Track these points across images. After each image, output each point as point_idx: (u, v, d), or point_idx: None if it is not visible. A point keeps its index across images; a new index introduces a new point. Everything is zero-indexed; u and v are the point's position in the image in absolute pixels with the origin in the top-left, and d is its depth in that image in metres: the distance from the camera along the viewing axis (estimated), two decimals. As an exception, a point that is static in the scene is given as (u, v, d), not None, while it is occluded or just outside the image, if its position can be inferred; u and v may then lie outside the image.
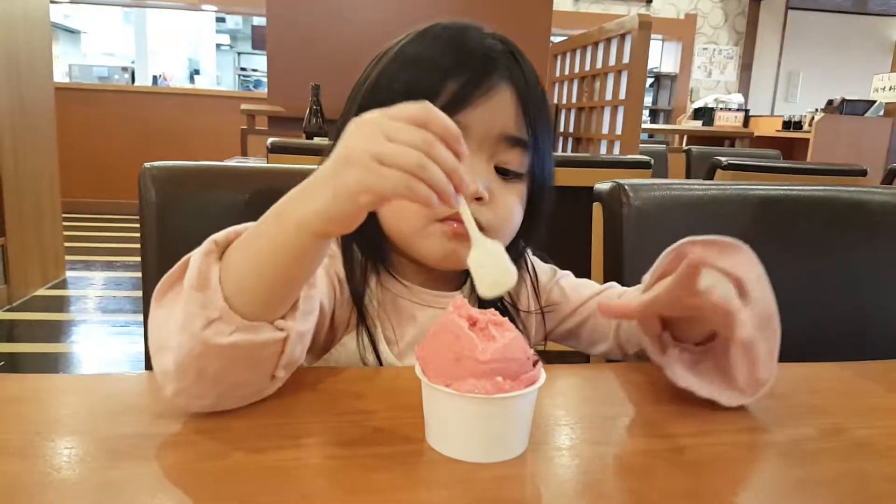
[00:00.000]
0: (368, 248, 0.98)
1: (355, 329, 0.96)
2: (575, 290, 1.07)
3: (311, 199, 0.65)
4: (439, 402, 0.66)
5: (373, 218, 0.94)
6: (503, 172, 0.92)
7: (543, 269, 1.09)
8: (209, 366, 0.67)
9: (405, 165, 0.60)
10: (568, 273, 1.11)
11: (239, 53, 12.69)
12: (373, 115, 0.63)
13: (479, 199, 0.88)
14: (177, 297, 0.70)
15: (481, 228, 0.86)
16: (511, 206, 0.93)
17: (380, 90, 0.91)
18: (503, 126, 0.90)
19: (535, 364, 0.68)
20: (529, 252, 1.07)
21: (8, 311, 4.25)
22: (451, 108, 0.85)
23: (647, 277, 0.88)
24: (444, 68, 0.88)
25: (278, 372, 0.73)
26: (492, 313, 0.68)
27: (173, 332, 0.67)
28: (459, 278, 1.02)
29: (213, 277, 0.68)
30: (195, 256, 0.69)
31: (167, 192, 1.18)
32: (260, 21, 10.63)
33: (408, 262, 0.98)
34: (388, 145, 0.61)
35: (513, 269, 0.69)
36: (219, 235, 0.70)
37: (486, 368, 0.63)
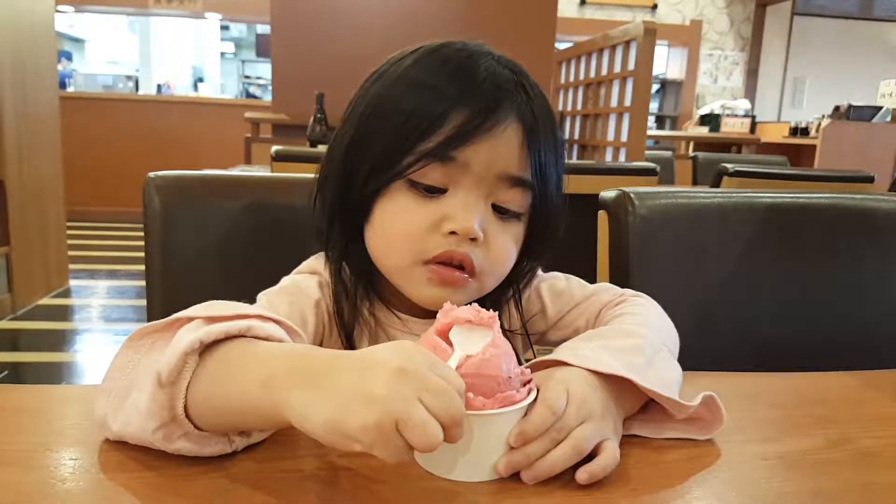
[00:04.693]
0: (358, 275, 0.94)
1: None
2: (555, 301, 1.01)
3: (308, 401, 0.57)
4: None
5: (363, 245, 0.91)
6: (501, 211, 0.88)
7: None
8: (153, 446, 0.65)
9: (420, 444, 0.55)
10: (553, 275, 1.04)
11: (243, 61, 12.71)
12: (416, 364, 0.58)
13: (473, 239, 0.83)
14: (151, 347, 0.68)
15: (473, 270, 0.84)
16: (505, 248, 0.88)
17: (382, 113, 0.86)
18: (504, 165, 0.84)
19: (524, 384, 0.68)
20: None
21: (12, 320, 4.25)
22: (452, 144, 0.82)
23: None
24: (450, 97, 0.83)
25: None
26: (489, 316, 0.68)
27: (130, 409, 0.65)
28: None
29: (183, 379, 0.63)
30: (176, 349, 0.63)
31: (171, 200, 1.19)
32: (264, 29, 10.63)
33: (398, 290, 0.92)
34: (416, 412, 0.55)
35: None
36: (207, 335, 0.63)
37: None
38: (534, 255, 0.97)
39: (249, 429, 0.67)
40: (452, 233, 0.83)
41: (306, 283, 0.92)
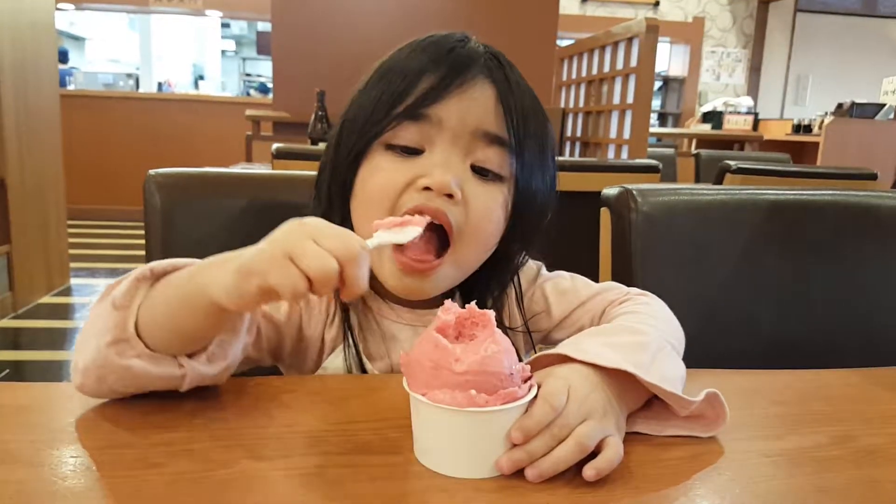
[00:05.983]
0: None
1: (341, 347, 0.95)
2: (560, 299, 1.01)
3: (222, 271, 0.66)
4: (416, 410, 0.67)
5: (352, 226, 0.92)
6: (483, 173, 0.88)
7: (526, 273, 1.03)
8: (108, 377, 0.71)
9: (313, 271, 0.61)
10: (558, 274, 1.05)
11: (244, 59, 12.70)
12: (312, 220, 0.66)
13: (449, 196, 0.84)
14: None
15: (451, 229, 0.85)
16: (487, 207, 0.88)
17: (366, 91, 0.90)
18: (479, 121, 0.86)
19: (525, 380, 0.68)
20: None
21: (13, 318, 4.26)
22: (423, 102, 0.85)
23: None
24: (419, 69, 0.86)
25: (184, 390, 0.76)
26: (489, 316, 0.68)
27: (90, 339, 0.72)
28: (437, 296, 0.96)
29: (135, 303, 0.72)
30: (129, 277, 0.73)
31: (172, 198, 1.19)
32: (265, 27, 10.64)
33: None
34: (309, 245, 0.63)
35: None
36: (157, 264, 0.74)
37: (461, 380, 0.63)
38: (523, 236, 0.96)
39: (190, 330, 0.72)
40: (427, 189, 0.84)
41: None
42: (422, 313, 0.96)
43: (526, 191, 0.91)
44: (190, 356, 0.74)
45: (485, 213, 0.88)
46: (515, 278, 1.01)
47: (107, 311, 0.71)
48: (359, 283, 0.64)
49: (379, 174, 0.87)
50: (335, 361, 0.95)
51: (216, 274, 0.66)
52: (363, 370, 0.94)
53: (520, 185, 0.90)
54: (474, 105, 0.86)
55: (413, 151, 0.87)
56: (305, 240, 0.63)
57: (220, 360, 0.76)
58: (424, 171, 0.84)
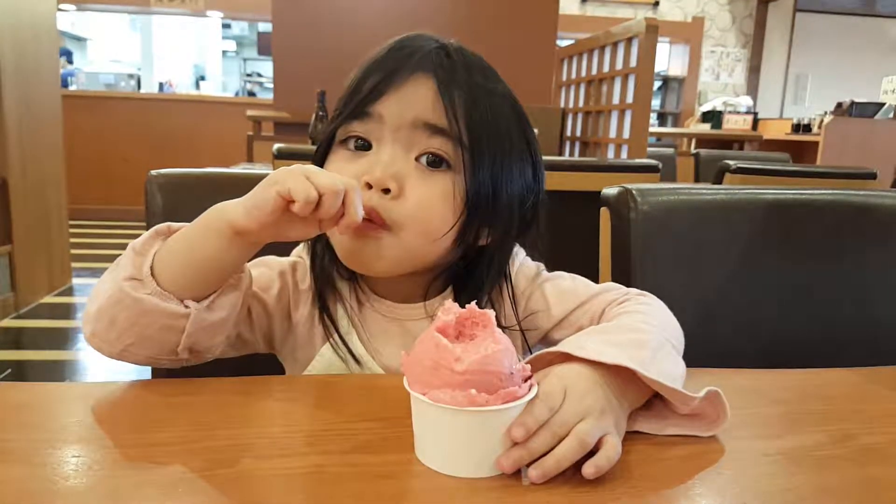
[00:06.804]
0: (323, 253, 0.98)
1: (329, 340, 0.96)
2: (560, 299, 1.00)
3: (240, 198, 0.78)
4: (416, 409, 0.67)
5: None
6: (432, 163, 0.89)
7: (525, 272, 1.03)
8: (120, 315, 0.79)
9: (323, 184, 0.74)
10: (559, 275, 1.04)
11: (245, 59, 12.69)
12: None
13: (386, 191, 0.86)
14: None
15: (382, 222, 0.87)
16: (427, 198, 0.88)
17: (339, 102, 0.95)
18: (417, 113, 0.87)
19: (526, 380, 0.68)
20: (520, 255, 1.04)
21: (15, 318, 4.26)
22: (367, 100, 0.88)
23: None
24: (367, 69, 0.91)
25: (181, 352, 0.82)
26: (489, 316, 0.68)
27: (106, 283, 0.81)
28: (418, 292, 0.98)
29: (152, 250, 0.81)
30: (150, 230, 0.83)
31: (173, 199, 1.19)
32: (266, 27, 10.64)
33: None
34: (320, 171, 0.76)
35: None
36: (175, 224, 0.83)
37: (461, 379, 0.63)
38: (495, 228, 0.95)
39: (199, 260, 0.80)
40: (369, 185, 0.87)
41: (277, 259, 1.01)
42: (403, 307, 0.98)
43: (479, 180, 0.90)
44: (194, 301, 0.81)
45: (421, 205, 0.88)
46: (510, 278, 1.01)
47: (126, 255, 0.81)
48: (356, 210, 0.77)
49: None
50: (329, 350, 0.96)
51: (235, 202, 0.78)
52: (355, 359, 0.95)
53: (470, 174, 0.89)
54: (412, 98, 0.88)
55: (362, 148, 0.91)
56: (315, 169, 0.77)
57: (220, 309, 0.83)
58: (367, 168, 0.87)
